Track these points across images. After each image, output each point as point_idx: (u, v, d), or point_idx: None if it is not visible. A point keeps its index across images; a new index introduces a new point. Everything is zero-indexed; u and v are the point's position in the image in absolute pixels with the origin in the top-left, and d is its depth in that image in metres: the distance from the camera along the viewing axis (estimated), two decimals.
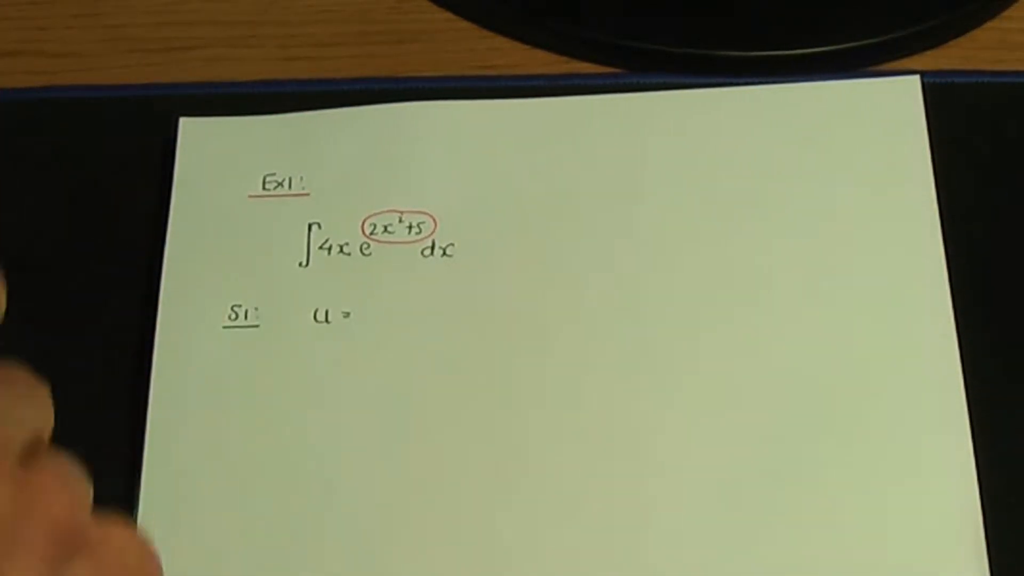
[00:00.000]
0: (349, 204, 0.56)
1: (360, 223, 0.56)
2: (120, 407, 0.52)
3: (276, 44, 0.61)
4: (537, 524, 0.50)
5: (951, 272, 0.53)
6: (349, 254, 0.55)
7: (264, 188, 0.56)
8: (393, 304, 0.54)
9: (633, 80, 0.59)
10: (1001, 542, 0.49)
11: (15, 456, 0.35)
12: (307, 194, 0.56)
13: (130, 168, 0.57)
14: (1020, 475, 0.51)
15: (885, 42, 0.59)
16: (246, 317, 0.54)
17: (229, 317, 0.54)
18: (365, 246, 0.55)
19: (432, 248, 0.55)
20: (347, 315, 0.54)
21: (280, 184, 0.56)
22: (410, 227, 0.55)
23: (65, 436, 0.37)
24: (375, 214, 0.56)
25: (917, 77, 0.58)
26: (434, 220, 0.56)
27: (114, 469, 0.51)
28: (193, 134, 0.57)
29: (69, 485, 0.35)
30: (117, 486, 0.50)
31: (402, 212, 0.56)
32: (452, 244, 0.55)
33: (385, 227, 0.55)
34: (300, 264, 0.55)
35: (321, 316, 0.54)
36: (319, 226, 0.55)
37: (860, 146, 0.56)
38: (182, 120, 0.58)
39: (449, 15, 0.61)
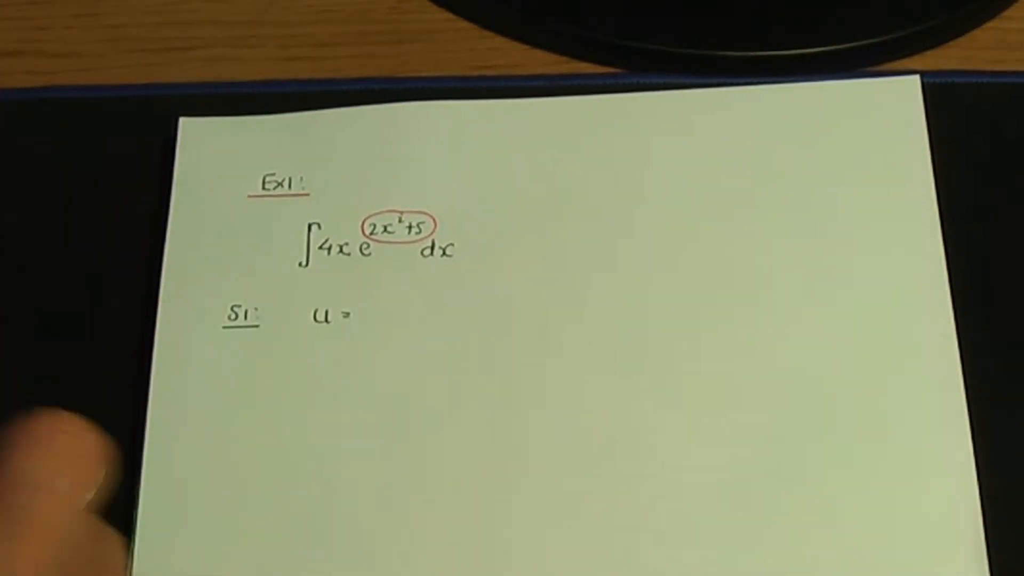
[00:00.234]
0: (349, 204, 0.56)
1: (360, 223, 0.56)
2: (120, 407, 0.52)
3: (276, 44, 0.61)
4: (537, 524, 0.50)
5: (951, 272, 0.53)
6: (349, 254, 0.55)
7: (264, 188, 0.56)
8: (393, 304, 0.54)
9: (633, 80, 0.59)
10: (1001, 542, 0.49)
11: None
12: (307, 194, 0.56)
13: (130, 168, 0.57)
14: (1020, 475, 0.51)
15: (885, 42, 0.59)
16: (246, 317, 0.54)
17: (229, 317, 0.54)
18: (365, 246, 0.55)
19: (432, 248, 0.55)
20: (347, 315, 0.54)
21: (280, 184, 0.56)
22: (410, 227, 0.55)
23: None
24: (375, 214, 0.56)
25: (917, 77, 0.58)
26: (434, 220, 0.56)
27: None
28: (193, 134, 0.57)
29: None
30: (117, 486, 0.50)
31: (402, 212, 0.56)
32: (452, 244, 0.55)
33: (385, 227, 0.55)
34: (300, 264, 0.55)
35: (321, 316, 0.54)
36: (319, 226, 0.55)
37: (860, 146, 0.56)
38: (182, 120, 0.58)
39: (449, 15, 0.61)
